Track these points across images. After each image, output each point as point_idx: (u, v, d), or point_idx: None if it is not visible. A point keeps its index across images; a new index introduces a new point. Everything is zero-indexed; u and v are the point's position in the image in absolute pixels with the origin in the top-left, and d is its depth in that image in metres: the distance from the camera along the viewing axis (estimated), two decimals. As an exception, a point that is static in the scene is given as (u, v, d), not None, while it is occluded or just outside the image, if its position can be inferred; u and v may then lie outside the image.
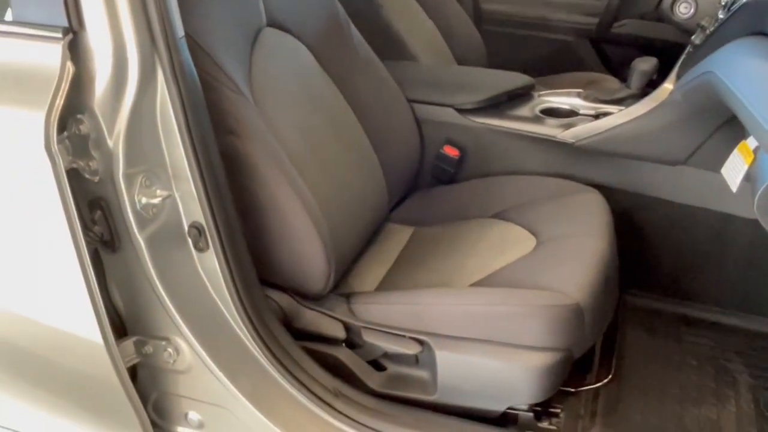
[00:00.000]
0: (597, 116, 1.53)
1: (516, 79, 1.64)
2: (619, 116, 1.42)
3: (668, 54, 1.67)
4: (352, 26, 1.50)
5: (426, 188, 1.62)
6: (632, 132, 1.40)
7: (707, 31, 1.32)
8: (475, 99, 1.56)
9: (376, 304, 1.19)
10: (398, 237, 1.48)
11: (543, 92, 1.66)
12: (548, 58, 2.28)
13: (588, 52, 2.28)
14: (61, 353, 1.05)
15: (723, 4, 1.36)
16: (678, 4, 1.65)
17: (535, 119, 1.54)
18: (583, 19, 2.23)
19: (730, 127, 1.26)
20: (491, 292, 1.14)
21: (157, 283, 1.01)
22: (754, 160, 0.85)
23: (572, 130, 1.47)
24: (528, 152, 1.53)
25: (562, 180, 1.48)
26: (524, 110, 1.57)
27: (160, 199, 0.98)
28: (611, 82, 2.10)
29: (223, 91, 1.09)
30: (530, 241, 1.30)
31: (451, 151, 1.58)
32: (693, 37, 1.37)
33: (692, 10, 1.64)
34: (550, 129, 1.50)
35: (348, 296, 1.24)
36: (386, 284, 1.32)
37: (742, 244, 1.39)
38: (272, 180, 1.10)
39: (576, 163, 1.50)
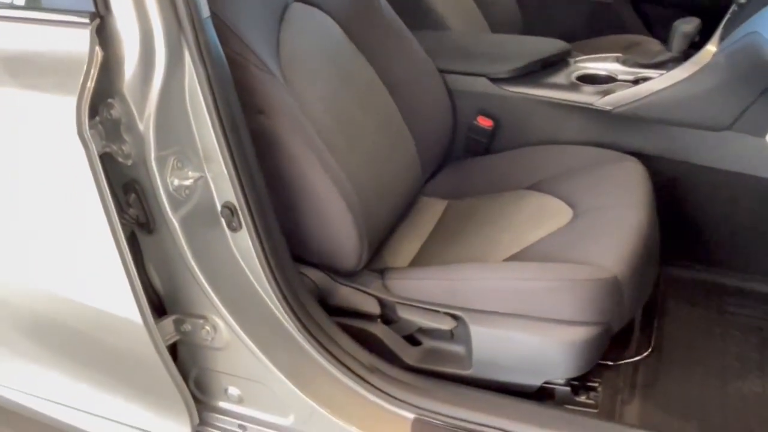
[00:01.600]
0: (636, 82, 1.47)
1: (551, 45, 1.59)
2: (659, 81, 1.37)
3: (712, 14, 1.59)
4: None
5: (459, 160, 1.60)
6: (673, 97, 1.35)
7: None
8: (509, 68, 1.52)
9: (410, 280, 1.19)
10: (432, 210, 1.47)
11: (579, 58, 1.61)
12: (587, 21, 2.21)
13: (628, 14, 2.20)
14: (105, 333, 1.09)
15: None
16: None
17: (572, 87, 1.50)
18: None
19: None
20: (526, 266, 1.12)
21: (193, 263, 1.02)
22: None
23: (610, 96, 1.42)
24: (564, 121, 1.49)
25: (600, 149, 1.44)
26: (560, 77, 1.53)
27: (192, 180, 0.99)
28: (653, 44, 2.02)
29: (251, 70, 1.09)
30: (567, 213, 1.28)
31: (484, 122, 1.55)
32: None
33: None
34: (587, 96, 1.46)
35: (382, 272, 1.24)
36: (420, 259, 1.31)
37: None
38: (302, 158, 1.10)
39: (614, 130, 1.45)
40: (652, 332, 1.31)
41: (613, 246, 1.12)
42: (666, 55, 1.49)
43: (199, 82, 0.93)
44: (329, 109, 1.25)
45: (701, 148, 1.38)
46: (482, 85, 1.54)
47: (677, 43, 1.46)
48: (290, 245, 1.15)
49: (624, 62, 1.55)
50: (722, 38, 1.31)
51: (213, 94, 0.94)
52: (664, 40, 2.09)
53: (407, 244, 1.38)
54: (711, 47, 1.32)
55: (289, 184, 1.12)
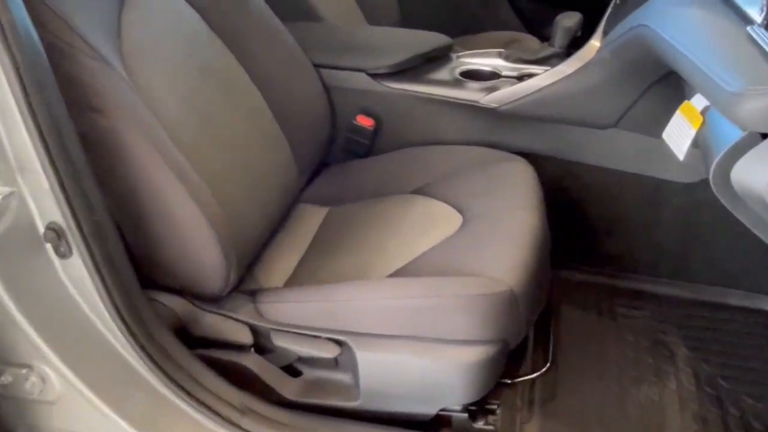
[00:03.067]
0: (521, 78, 1.41)
1: (433, 40, 1.49)
2: (543, 77, 1.31)
3: (592, 8, 1.58)
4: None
5: (339, 163, 1.47)
6: (558, 94, 1.29)
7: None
8: (390, 62, 1.40)
9: (286, 303, 1.04)
10: (311, 219, 1.33)
11: (462, 53, 1.52)
12: (465, 18, 2.15)
13: (506, 10, 2.16)
14: None
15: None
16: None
17: (455, 83, 1.41)
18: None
19: (665, 86, 1.17)
20: (414, 282, 1.01)
21: (8, 300, 0.81)
22: (703, 123, 0.74)
23: (495, 94, 1.34)
24: (449, 119, 1.40)
25: (486, 148, 1.36)
26: (443, 73, 1.43)
27: (0, 196, 0.78)
28: (531, 41, 2.00)
29: (80, 60, 0.89)
30: (456, 219, 1.18)
31: (365, 121, 1.42)
32: None
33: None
34: (471, 93, 1.37)
35: (254, 294, 1.08)
36: (298, 277, 1.17)
37: (675, 210, 1.31)
38: (150, 165, 0.92)
39: (500, 129, 1.38)
40: (549, 344, 1.24)
41: (506, 255, 1.03)
42: (549, 51, 1.43)
43: (5, 74, 0.74)
44: (185, 105, 1.07)
45: (587, 147, 1.34)
46: (361, 81, 1.41)
47: (559, 38, 1.41)
48: (142, 269, 0.97)
49: (507, 58, 1.48)
50: (605, 33, 1.27)
51: (24, 88, 0.75)
52: (543, 37, 2.09)
53: (283, 260, 1.23)
54: (595, 42, 1.27)
55: (136, 195, 0.94)
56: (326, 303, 1.01)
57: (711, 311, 1.31)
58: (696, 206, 1.29)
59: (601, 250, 1.41)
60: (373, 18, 1.96)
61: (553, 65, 1.42)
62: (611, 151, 1.31)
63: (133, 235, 0.97)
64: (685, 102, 0.83)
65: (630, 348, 1.25)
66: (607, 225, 1.39)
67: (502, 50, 1.52)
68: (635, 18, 1.12)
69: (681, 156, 0.77)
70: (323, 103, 1.40)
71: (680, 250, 1.34)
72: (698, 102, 0.79)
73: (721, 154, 0.66)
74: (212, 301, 1.04)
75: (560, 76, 1.28)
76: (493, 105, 1.34)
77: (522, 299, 0.99)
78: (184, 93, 1.08)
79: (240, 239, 1.07)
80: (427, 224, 1.19)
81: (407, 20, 2.10)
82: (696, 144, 0.76)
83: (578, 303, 1.35)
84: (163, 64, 1.06)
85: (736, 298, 1.33)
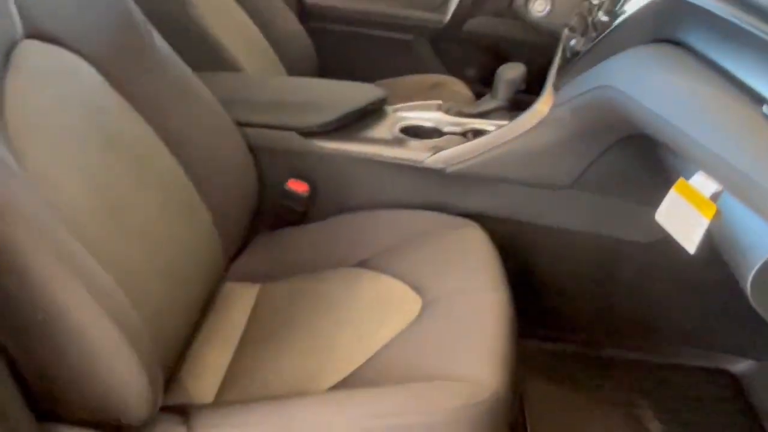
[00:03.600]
0: (464, 134, 1.31)
1: (368, 93, 1.36)
2: (494, 136, 1.21)
3: (517, 55, 1.52)
4: (155, 32, 1.13)
5: (271, 233, 1.30)
6: (510, 154, 1.20)
7: (588, 35, 1.14)
8: (323, 119, 1.26)
9: (225, 428, 0.85)
10: (241, 300, 1.16)
11: (398, 106, 1.41)
12: (386, 61, 2.05)
13: (428, 53, 2.09)
14: None
15: (596, 2, 1.20)
16: (532, 1, 1.48)
17: (396, 141, 1.29)
18: (425, 15, 2.03)
19: (625, 146, 1.11)
20: (384, 395, 0.86)
21: None
22: (718, 214, 0.66)
23: (441, 154, 1.23)
24: (391, 182, 1.27)
25: (433, 213, 1.24)
26: (381, 130, 1.31)
27: None
28: (457, 84, 1.92)
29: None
30: (413, 301, 1.05)
31: (298, 186, 1.27)
32: (570, 42, 1.19)
33: (547, 8, 1.48)
34: (414, 153, 1.26)
35: (184, 412, 0.89)
36: (235, 377, 0.99)
37: (633, 271, 1.25)
38: (38, 264, 0.72)
39: (447, 190, 1.27)
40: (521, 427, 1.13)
41: (483, 349, 0.90)
42: (491, 104, 1.35)
43: None
44: (90, 188, 0.88)
45: (541, 207, 1.25)
46: (292, 140, 1.26)
47: (502, 90, 1.33)
48: (42, 402, 0.77)
49: (447, 111, 1.38)
50: (556, 88, 1.19)
51: None
52: (467, 79, 2.03)
53: (213, 355, 1.04)
54: (546, 99, 1.19)
55: (24, 309, 0.73)
56: (275, 426, 0.83)
57: (679, 375, 1.26)
58: (655, 266, 1.24)
59: (560, 315, 1.32)
60: (291, 67, 1.82)
61: (495, 118, 1.34)
62: (567, 211, 1.23)
63: (27, 361, 0.77)
64: (681, 180, 0.74)
65: (601, 424, 1.16)
66: (563, 288, 1.31)
67: (440, 102, 1.42)
68: (596, 77, 1.04)
69: (692, 249, 0.68)
70: (250, 168, 1.24)
71: (641, 312, 1.28)
72: (702, 184, 0.70)
73: (764, 260, 0.57)
74: (137, 428, 0.85)
75: (512, 135, 1.19)
76: (440, 166, 1.23)
77: (507, 397, 0.87)
78: (88, 172, 0.89)
79: (164, 345, 0.89)
80: (380, 308, 1.05)
81: (325, 68, 1.98)
82: (709, 236, 0.67)
83: (546, 376, 1.25)
84: (60, 140, 0.87)
85: (700, 359, 1.28)
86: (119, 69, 1.03)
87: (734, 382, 1.27)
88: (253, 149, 1.24)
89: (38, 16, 0.91)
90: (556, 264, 1.28)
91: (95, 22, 1.01)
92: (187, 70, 1.17)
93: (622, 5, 1.03)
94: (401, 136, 1.29)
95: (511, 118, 1.35)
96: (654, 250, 1.22)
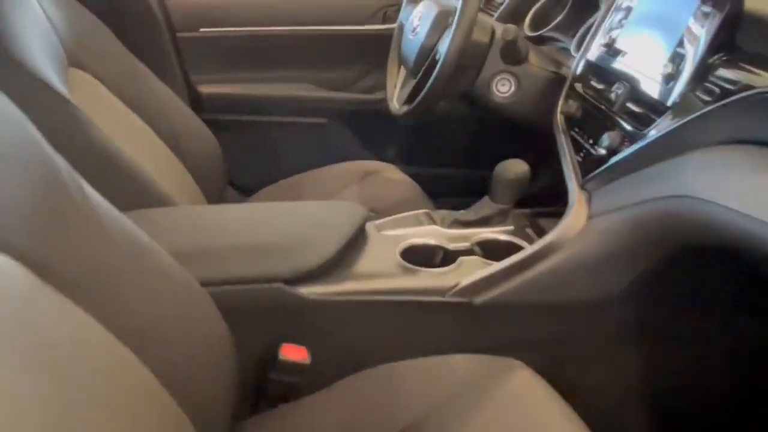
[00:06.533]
0: (470, 250, 1.11)
1: (350, 215, 1.10)
2: (523, 257, 1.01)
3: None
4: (84, 183, 0.80)
5: (261, 416, 0.99)
6: (545, 275, 1.01)
7: (610, 127, 1.01)
8: (315, 261, 0.99)
9: None
10: None
11: (379, 222, 1.18)
12: (307, 150, 1.80)
13: (348, 137, 1.87)
14: None
15: (600, 87, 1.07)
16: (495, 80, 1.33)
17: (402, 271, 1.04)
18: (339, 95, 1.81)
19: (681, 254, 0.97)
20: None
21: None
22: None
23: (465, 283, 1.01)
24: (409, 325, 1.03)
25: (469, 357, 1.01)
26: (379, 259, 1.06)
27: None
28: (390, 170, 1.71)
29: None
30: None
31: (294, 353, 0.97)
32: (576, 130, 1.03)
33: (512, 89, 1.34)
34: (428, 282, 1.03)
35: None
36: None
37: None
38: None
39: (476, 324, 1.05)
40: None
41: None
42: (492, 208, 1.16)
43: None
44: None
45: (581, 325, 1.08)
46: (278, 295, 0.97)
47: (503, 192, 1.15)
48: None
49: (442, 221, 1.17)
50: (586, 189, 1.03)
51: None
52: (396, 162, 1.84)
53: None
54: (579, 207, 1.02)
55: None
56: None
57: None
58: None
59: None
60: (195, 167, 1.50)
61: (497, 224, 1.17)
62: (615, 325, 1.07)
63: None
64: None
65: None
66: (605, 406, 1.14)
67: (426, 211, 1.21)
68: (657, 183, 0.90)
69: None
70: (224, 340, 0.92)
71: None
72: None
73: None
74: None
75: (545, 254, 1.01)
76: (466, 299, 1.01)
77: None
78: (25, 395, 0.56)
79: None
80: None
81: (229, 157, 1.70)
82: None
83: None
84: None
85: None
86: (44, 252, 0.70)
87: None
88: (228, 314, 0.93)
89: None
90: (595, 385, 1.11)
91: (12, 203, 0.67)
92: (132, 228, 0.85)
93: (668, 94, 0.90)
94: (405, 264, 1.06)
95: (515, 220, 1.19)
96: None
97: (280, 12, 1.76)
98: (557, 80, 1.31)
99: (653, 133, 0.92)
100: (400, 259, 1.06)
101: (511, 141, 1.76)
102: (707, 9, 0.91)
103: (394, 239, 1.12)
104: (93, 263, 0.76)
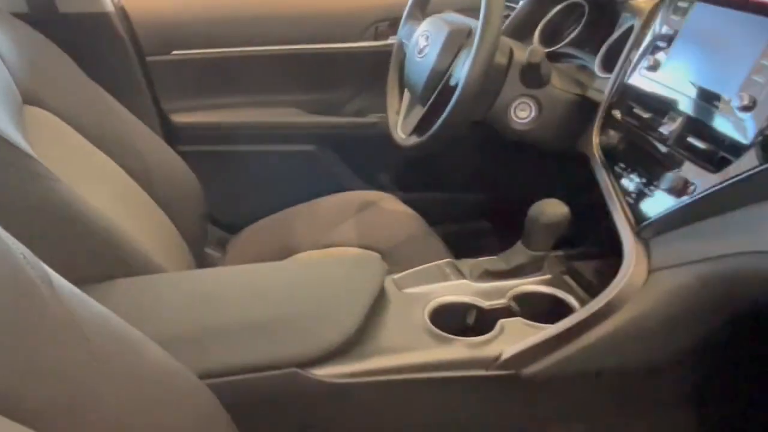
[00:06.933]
0: (509, 307, 0.97)
1: (369, 272, 0.95)
2: (574, 322, 0.87)
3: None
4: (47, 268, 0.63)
5: None
6: (601, 341, 0.87)
7: (668, 165, 0.87)
8: (333, 338, 0.83)
9: None
10: None
11: (397, 276, 1.02)
12: (298, 186, 1.64)
13: (338, 165, 1.70)
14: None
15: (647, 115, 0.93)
16: (513, 105, 1.19)
17: (435, 340, 0.89)
18: (328, 120, 1.65)
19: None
20: None
21: None
22: None
23: (509, 354, 0.86)
24: (447, 405, 0.88)
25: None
26: (405, 325, 0.91)
27: None
28: (388, 200, 1.56)
29: None
30: None
31: (316, 448, 0.82)
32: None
33: (533, 113, 1.20)
34: (468, 353, 0.87)
35: None
36: None
37: None
38: None
39: (522, 397, 0.91)
40: None
41: None
42: (527, 256, 1.02)
43: None
44: None
45: (638, 393, 0.94)
46: (292, 382, 0.81)
47: (541, 239, 1.01)
48: None
49: (470, 273, 1.03)
50: (641, 237, 0.90)
51: None
52: (392, 189, 1.69)
53: None
54: (638, 259, 0.88)
55: None
56: None
57: None
58: None
59: None
60: (180, 218, 1.33)
61: (533, 272, 1.03)
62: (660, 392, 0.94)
63: None
64: None
65: None
66: None
67: (450, 260, 1.06)
68: (735, 236, 0.77)
69: None
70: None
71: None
72: None
73: None
74: None
75: (600, 317, 0.87)
76: (510, 372, 0.87)
77: None
78: None
79: None
80: None
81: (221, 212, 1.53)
82: None
83: None
84: None
85: None
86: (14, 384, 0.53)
87: None
88: (234, 409, 0.77)
89: None
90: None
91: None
92: (112, 322, 0.68)
93: (745, 129, 0.77)
94: (436, 331, 0.90)
95: (550, 267, 1.05)
96: None
97: (261, 30, 1.59)
98: (583, 104, 1.17)
99: (729, 175, 0.78)
100: (430, 324, 0.91)
101: (511, 165, 1.64)
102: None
103: (420, 298, 0.96)
104: (67, 387, 0.58)
